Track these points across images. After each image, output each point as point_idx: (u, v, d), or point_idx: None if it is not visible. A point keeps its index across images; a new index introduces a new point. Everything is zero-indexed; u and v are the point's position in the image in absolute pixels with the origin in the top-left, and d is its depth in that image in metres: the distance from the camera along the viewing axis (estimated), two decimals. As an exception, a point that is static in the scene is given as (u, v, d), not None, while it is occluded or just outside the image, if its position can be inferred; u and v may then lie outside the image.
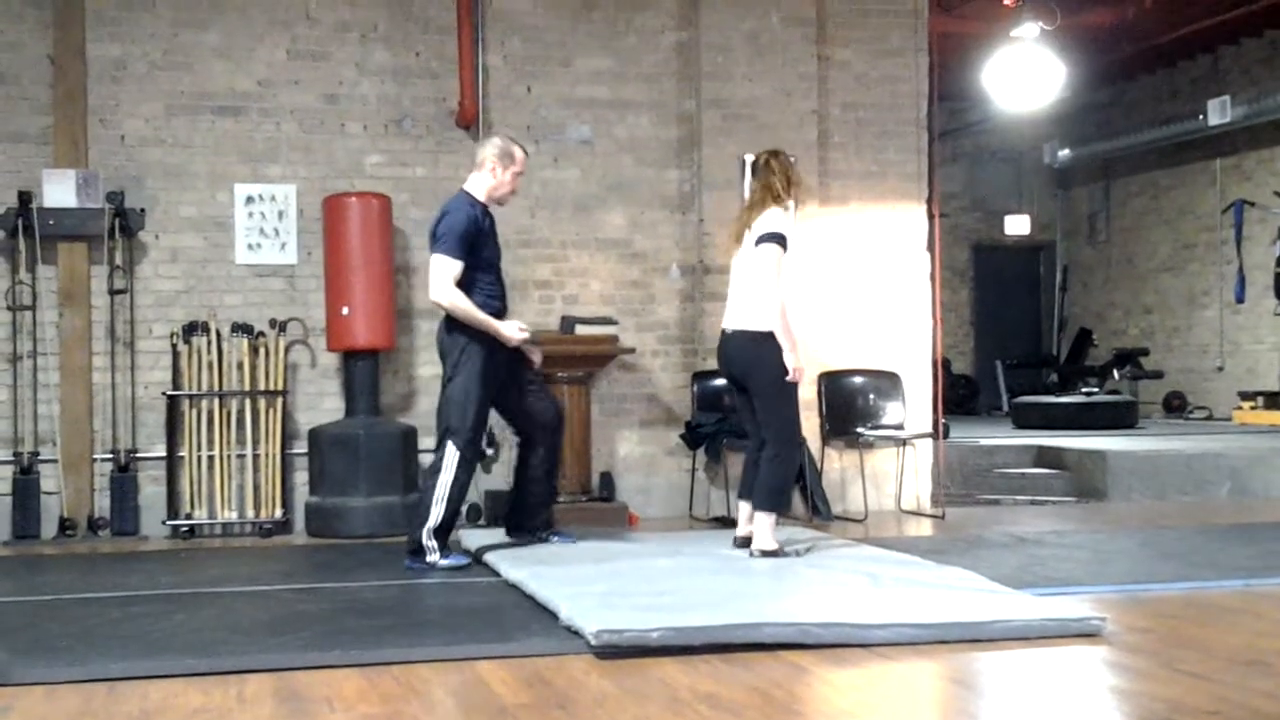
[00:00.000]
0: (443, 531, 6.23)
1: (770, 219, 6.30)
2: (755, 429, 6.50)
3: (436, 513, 6.18)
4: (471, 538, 6.93)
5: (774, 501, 6.28)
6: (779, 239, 6.24)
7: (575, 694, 3.89)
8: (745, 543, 6.45)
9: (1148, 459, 9.78)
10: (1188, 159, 15.27)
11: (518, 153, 6.44)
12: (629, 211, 8.57)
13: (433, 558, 6.17)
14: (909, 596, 5.03)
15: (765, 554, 6.12)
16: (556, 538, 6.61)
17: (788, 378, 6.20)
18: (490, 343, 6.25)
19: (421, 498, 6.33)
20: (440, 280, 6.21)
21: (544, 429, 6.55)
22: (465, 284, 6.22)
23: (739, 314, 6.37)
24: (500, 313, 6.35)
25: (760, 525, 6.21)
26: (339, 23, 8.28)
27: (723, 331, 6.49)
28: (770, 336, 6.24)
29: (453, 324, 6.28)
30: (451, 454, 6.21)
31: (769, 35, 8.50)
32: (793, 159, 6.65)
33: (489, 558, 6.23)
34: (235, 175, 8.14)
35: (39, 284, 7.81)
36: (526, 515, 6.64)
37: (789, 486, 6.58)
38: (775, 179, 6.39)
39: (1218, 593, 5.50)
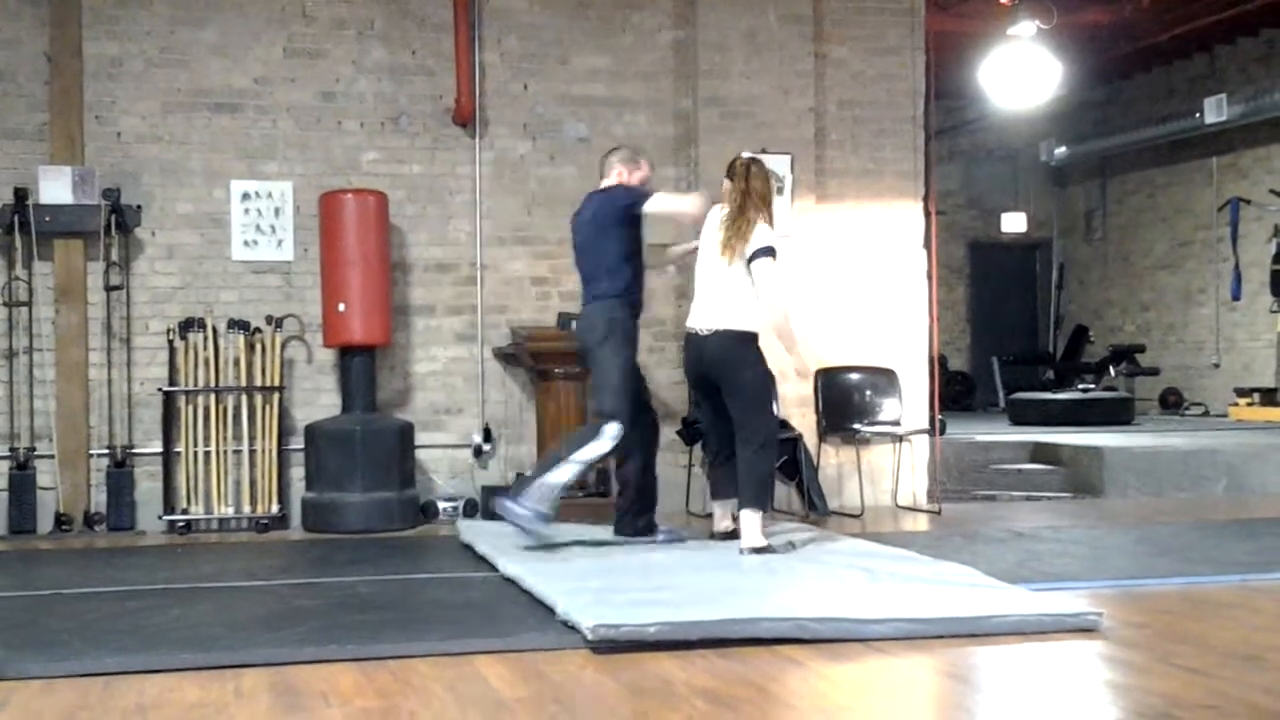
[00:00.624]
0: (557, 490, 6.25)
1: (763, 233, 6.31)
2: (717, 431, 6.54)
3: (569, 470, 6.25)
4: (469, 531, 6.94)
5: (761, 498, 6.27)
6: (772, 252, 6.29)
7: (572, 688, 3.89)
8: (725, 536, 6.51)
9: (1144, 455, 9.78)
10: (1184, 157, 15.29)
11: (642, 159, 6.87)
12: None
13: (529, 507, 6.15)
14: (906, 592, 5.04)
15: (755, 551, 6.11)
16: (663, 535, 6.68)
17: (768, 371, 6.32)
18: (634, 321, 6.59)
19: (561, 450, 6.37)
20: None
21: (642, 443, 6.65)
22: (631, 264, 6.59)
23: (719, 315, 6.34)
24: (639, 304, 6.70)
25: (749, 523, 6.20)
26: (335, 20, 8.28)
27: (693, 333, 6.44)
28: (754, 338, 6.29)
29: (610, 299, 6.52)
30: (614, 430, 6.29)
31: (766, 33, 8.50)
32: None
33: (486, 552, 6.23)
34: (231, 172, 8.14)
35: (35, 280, 7.81)
36: (630, 521, 6.71)
37: (772, 481, 6.61)
38: (760, 186, 6.39)
39: (1214, 588, 5.50)
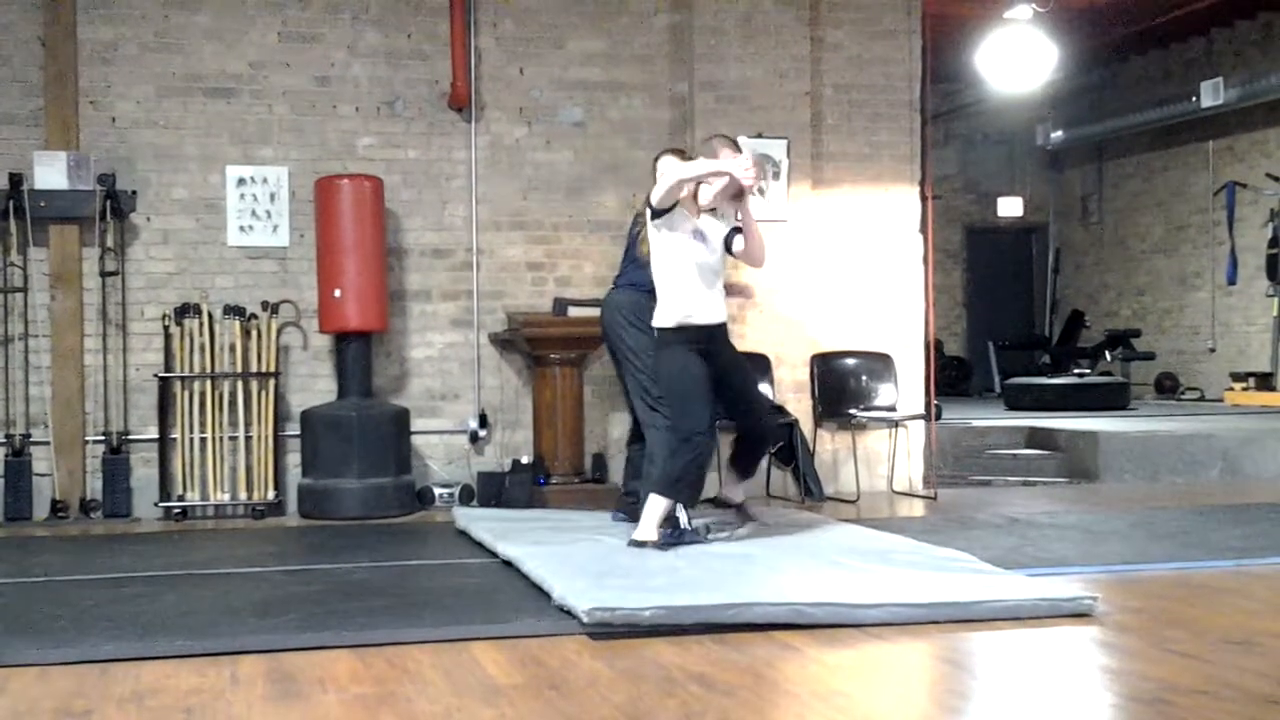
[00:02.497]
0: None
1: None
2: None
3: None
4: (465, 517, 6.95)
5: (668, 489, 5.83)
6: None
7: (568, 674, 3.90)
8: (722, 503, 6.55)
9: (1139, 440, 9.79)
10: (1180, 141, 15.27)
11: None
12: (622, 193, 8.56)
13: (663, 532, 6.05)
14: (901, 577, 5.04)
15: (635, 544, 5.75)
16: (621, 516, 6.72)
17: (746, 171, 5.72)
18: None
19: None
20: None
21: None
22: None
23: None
24: None
25: (649, 511, 5.82)
26: (330, 4, 8.26)
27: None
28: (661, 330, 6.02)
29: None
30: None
31: (762, 17, 8.48)
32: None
33: (483, 537, 6.23)
34: (227, 157, 8.12)
35: (30, 266, 7.80)
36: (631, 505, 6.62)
37: (691, 476, 5.87)
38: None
39: (1209, 573, 5.52)
